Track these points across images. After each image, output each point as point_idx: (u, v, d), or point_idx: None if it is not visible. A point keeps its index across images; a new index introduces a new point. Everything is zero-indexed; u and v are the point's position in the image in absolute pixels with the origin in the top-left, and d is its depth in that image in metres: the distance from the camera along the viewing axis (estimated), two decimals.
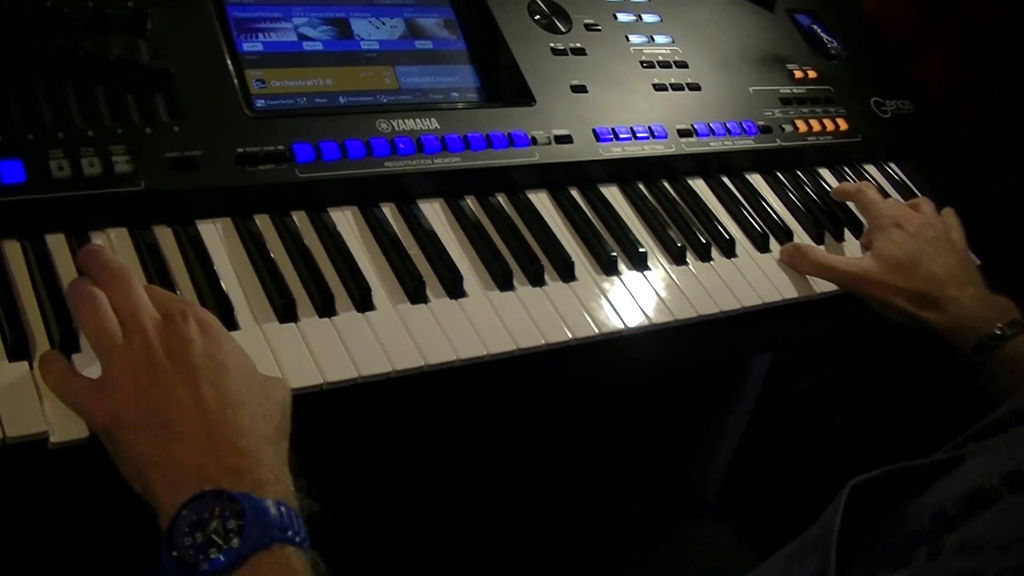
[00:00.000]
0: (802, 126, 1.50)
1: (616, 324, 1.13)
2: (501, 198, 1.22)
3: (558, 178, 1.27)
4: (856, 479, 0.80)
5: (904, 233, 1.29)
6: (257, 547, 0.71)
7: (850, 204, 1.44)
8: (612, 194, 1.30)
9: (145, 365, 0.80)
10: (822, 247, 1.36)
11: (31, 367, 0.85)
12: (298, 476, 0.80)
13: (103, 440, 0.81)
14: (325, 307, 1.01)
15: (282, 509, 0.74)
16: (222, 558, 0.70)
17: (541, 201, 1.25)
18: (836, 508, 0.78)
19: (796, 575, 0.77)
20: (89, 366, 0.86)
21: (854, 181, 1.54)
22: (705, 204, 1.35)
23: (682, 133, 1.37)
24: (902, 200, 1.47)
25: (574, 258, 1.17)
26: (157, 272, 0.97)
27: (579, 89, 1.33)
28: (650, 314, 1.16)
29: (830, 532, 0.75)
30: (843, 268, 1.28)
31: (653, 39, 1.46)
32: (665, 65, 1.44)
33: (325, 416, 0.96)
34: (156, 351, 0.81)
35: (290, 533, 0.73)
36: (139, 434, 0.78)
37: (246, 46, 1.16)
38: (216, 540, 0.71)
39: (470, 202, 1.20)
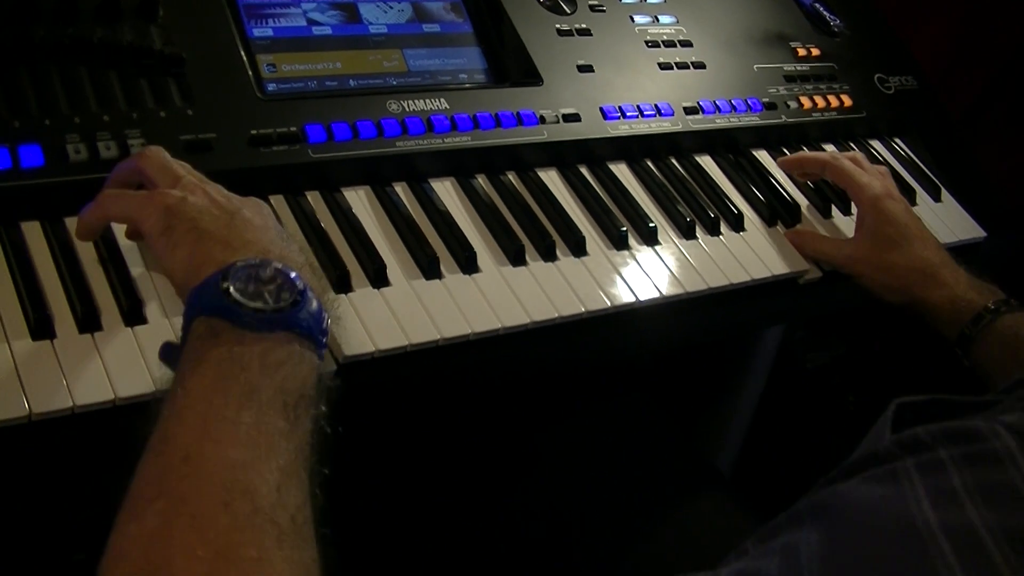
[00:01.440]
0: (806, 103, 1.52)
1: (628, 297, 1.14)
2: (511, 176, 1.24)
3: (567, 156, 1.29)
4: (902, 399, 0.81)
5: (896, 204, 1.28)
6: (296, 325, 0.73)
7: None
8: (620, 171, 1.32)
9: (212, 193, 0.84)
10: (814, 229, 1.35)
11: (54, 346, 0.87)
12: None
13: (156, 220, 0.81)
14: (341, 284, 1.02)
15: (324, 315, 0.76)
16: (268, 312, 0.72)
17: (551, 178, 1.26)
18: (884, 423, 0.78)
19: None
20: (113, 344, 0.88)
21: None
22: (713, 180, 1.36)
23: (688, 111, 1.39)
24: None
25: (585, 234, 1.18)
26: None
27: (585, 69, 1.35)
28: (661, 287, 1.17)
29: (880, 441, 0.76)
30: (836, 253, 1.28)
31: (657, 19, 1.48)
32: (670, 44, 1.45)
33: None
34: (220, 191, 0.86)
35: (322, 338, 0.75)
36: (207, 215, 0.80)
37: (256, 31, 1.18)
38: (267, 297, 0.72)
39: (481, 180, 1.21)
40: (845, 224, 1.38)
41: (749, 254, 1.27)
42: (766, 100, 1.47)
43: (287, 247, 0.82)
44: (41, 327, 0.88)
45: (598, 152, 1.31)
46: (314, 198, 1.11)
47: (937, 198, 1.55)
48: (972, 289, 1.21)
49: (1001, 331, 1.17)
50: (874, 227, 1.26)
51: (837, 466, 0.77)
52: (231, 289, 0.72)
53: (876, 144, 1.61)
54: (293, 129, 1.09)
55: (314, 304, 0.75)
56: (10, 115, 0.97)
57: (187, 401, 0.68)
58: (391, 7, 1.29)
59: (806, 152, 1.40)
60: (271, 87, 1.15)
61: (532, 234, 1.16)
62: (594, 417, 1.45)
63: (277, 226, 0.85)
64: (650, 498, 1.34)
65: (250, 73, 1.13)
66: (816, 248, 1.30)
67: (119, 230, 0.98)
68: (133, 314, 0.91)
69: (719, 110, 1.41)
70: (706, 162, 1.40)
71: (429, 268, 1.07)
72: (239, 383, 0.68)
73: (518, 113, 1.23)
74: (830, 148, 1.54)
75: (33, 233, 0.95)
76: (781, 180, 1.42)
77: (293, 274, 0.75)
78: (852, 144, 1.57)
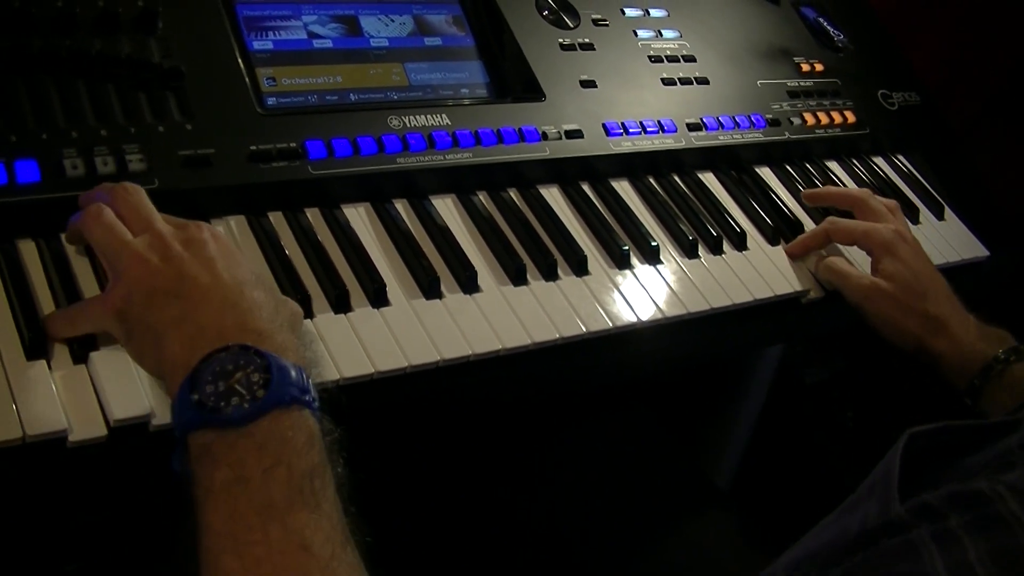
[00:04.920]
0: (810, 119, 1.51)
1: (629, 317, 1.13)
2: (513, 193, 1.22)
3: (569, 173, 1.27)
4: (914, 428, 0.81)
5: (910, 250, 1.26)
6: (278, 403, 0.73)
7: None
8: (623, 188, 1.31)
9: (159, 252, 0.82)
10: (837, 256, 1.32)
11: (49, 366, 0.85)
12: (316, 364, 0.85)
13: (116, 329, 0.83)
14: (340, 303, 1.01)
15: (302, 374, 0.76)
16: (246, 406, 0.72)
17: (552, 196, 1.25)
18: (894, 454, 0.78)
19: (849, 524, 0.78)
20: (109, 364, 0.86)
21: (863, 173, 1.54)
22: (715, 197, 1.35)
23: (691, 127, 1.38)
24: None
25: (586, 252, 1.17)
26: None
27: (588, 84, 1.33)
28: (663, 307, 1.16)
29: (889, 476, 0.76)
30: (855, 278, 1.25)
31: (661, 34, 1.47)
32: (673, 59, 1.45)
33: (340, 412, 0.96)
34: (171, 243, 0.83)
35: (307, 397, 0.76)
36: (154, 304, 0.80)
37: (256, 44, 1.17)
38: (239, 390, 0.73)
39: (482, 197, 1.20)
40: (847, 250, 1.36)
41: (752, 273, 1.26)
42: (770, 116, 1.46)
43: (240, 299, 0.81)
44: (36, 347, 0.86)
45: (600, 169, 1.30)
46: (313, 215, 1.09)
47: (940, 216, 1.54)
48: (981, 339, 1.20)
49: (1010, 381, 1.16)
50: (890, 270, 1.24)
51: (845, 498, 0.77)
52: (205, 401, 0.73)
53: (879, 161, 1.60)
54: (293, 145, 1.08)
55: (289, 371, 0.75)
56: (6, 129, 0.95)
57: (214, 541, 0.70)
58: (392, 20, 1.27)
59: (831, 188, 1.41)
60: (271, 101, 1.14)
61: (533, 252, 1.15)
62: (594, 432, 1.45)
63: (226, 262, 0.84)
64: (647, 514, 1.34)
65: (250, 87, 1.11)
66: (833, 268, 1.28)
67: None
68: None
69: (722, 126, 1.40)
70: (709, 179, 1.39)
71: (430, 288, 1.06)
72: (252, 504, 0.70)
73: (520, 129, 1.22)
74: (834, 165, 1.53)
75: (28, 250, 0.94)
76: (784, 198, 1.41)
77: (255, 351, 0.75)
78: (855, 161, 1.57)
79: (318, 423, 0.76)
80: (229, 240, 0.88)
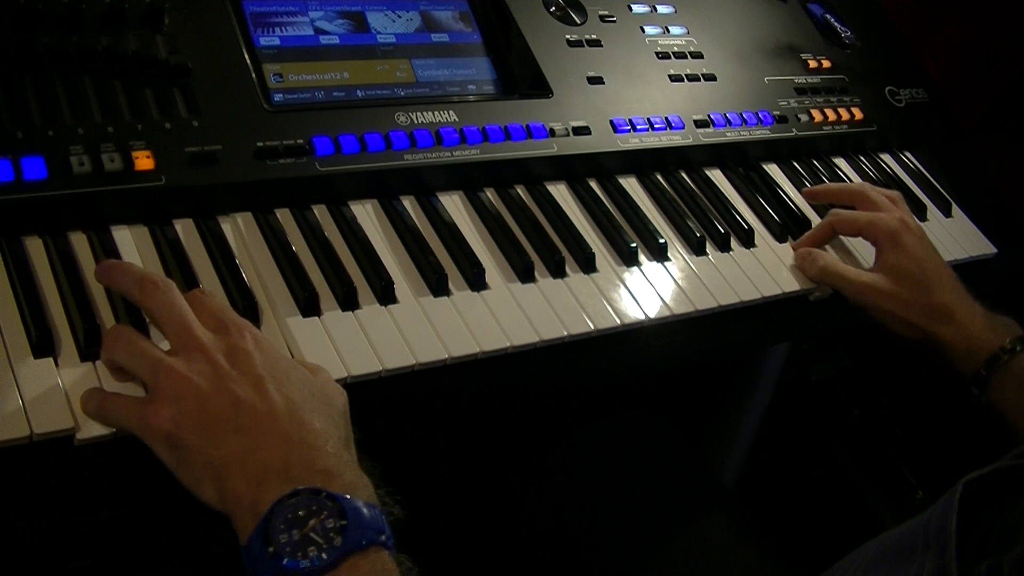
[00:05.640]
0: (817, 116, 1.50)
1: (637, 315, 1.13)
2: (520, 190, 1.22)
3: (576, 169, 1.27)
4: (968, 476, 0.79)
5: (914, 238, 1.24)
6: (355, 548, 0.70)
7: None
8: (630, 185, 1.30)
9: (207, 373, 0.78)
10: (831, 253, 1.31)
11: (56, 364, 0.85)
12: (379, 483, 0.79)
13: (163, 452, 0.78)
14: (348, 301, 1.00)
15: (374, 511, 0.73)
16: (324, 556, 0.69)
17: (560, 193, 1.24)
18: (950, 506, 0.76)
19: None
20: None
21: (870, 170, 1.54)
22: (723, 194, 1.35)
23: (699, 123, 1.37)
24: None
25: (594, 249, 1.17)
26: (179, 268, 0.96)
27: (596, 80, 1.33)
28: (671, 304, 1.16)
29: (945, 530, 0.74)
30: (851, 277, 1.23)
31: (668, 30, 1.46)
32: (680, 56, 1.44)
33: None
34: (218, 360, 0.79)
35: (383, 537, 0.72)
36: (212, 437, 0.75)
37: (263, 40, 1.16)
38: (315, 539, 0.69)
39: (489, 194, 1.19)
40: (851, 244, 1.36)
41: (759, 270, 1.26)
42: (777, 113, 1.45)
43: (303, 432, 0.76)
44: (43, 345, 0.86)
45: (608, 166, 1.30)
46: (321, 212, 1.09)
47: (948, 213, 1.53)
48: (987, 327, 1.18)
49: (1017, 371, 1.15)
50: (893, 261, 1.23)
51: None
52: (279, 552, 0.69)
53: (887, 158, 1.59)
54: (300, 141, 1.08)
55: (363, 513, 0.72)
56: (12, 125, 0.95)
57: None
58: (399, 16, 1.27)
59: (830, 184, 1.40)
60: (278, 98, 1.14)
61: (541, 250, 1.15)
62: (600, 429, 1.44)
63: (276, 380, 0.79)
64: (653, 511, 1.33)
65: (256, 83, 1.11)
66: (828, 268, 1.26)
67: (123, 245, 0.97)
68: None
69: (730, 123, 1.40)
70: (716, 176, 1.39)
71: (437, 285, 1.05)
72: None
73: (528, 126, 1.22)
74: (841, 162, 1.53)
75: (35, 247, 0.94)
76: (791, 195, 1.40)
77: (326, 494, 0.72)
78: (863, 158, 1.56)
79: (395, 562, 0.73)
80: (268, 343, 0.84)
